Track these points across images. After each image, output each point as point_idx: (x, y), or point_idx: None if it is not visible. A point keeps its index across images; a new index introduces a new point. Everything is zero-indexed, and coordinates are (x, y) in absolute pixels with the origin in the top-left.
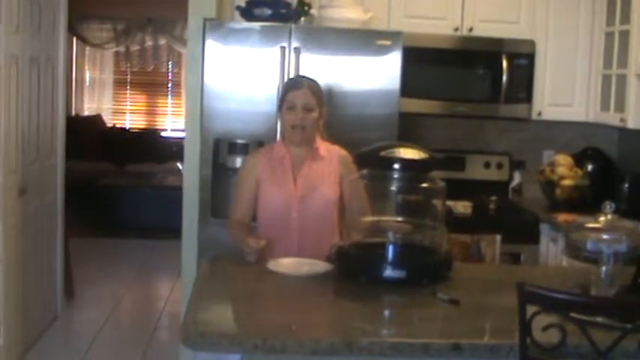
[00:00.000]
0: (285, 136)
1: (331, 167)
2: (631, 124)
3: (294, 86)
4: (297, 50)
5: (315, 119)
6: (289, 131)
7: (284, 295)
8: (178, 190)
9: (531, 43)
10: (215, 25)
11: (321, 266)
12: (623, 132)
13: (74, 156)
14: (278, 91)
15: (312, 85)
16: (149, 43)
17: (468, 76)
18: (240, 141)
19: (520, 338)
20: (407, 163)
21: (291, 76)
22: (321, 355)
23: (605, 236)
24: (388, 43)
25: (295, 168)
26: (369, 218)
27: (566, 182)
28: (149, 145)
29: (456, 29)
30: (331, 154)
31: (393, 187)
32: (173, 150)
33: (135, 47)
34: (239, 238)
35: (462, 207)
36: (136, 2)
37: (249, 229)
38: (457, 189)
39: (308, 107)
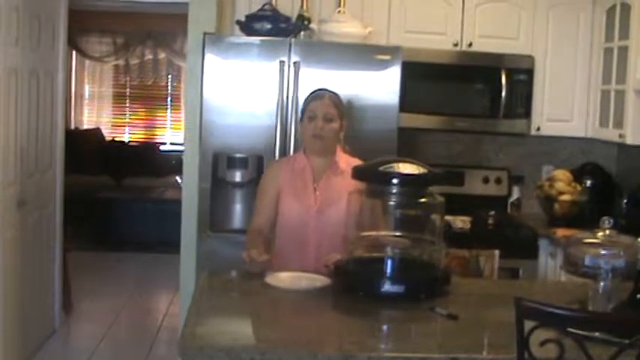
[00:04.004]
0: (305, 147)
1: (351, 181)
2: (630, 140)
3: (316, 97)
4: (296, 65)
5: (335, 130)
6: (309, 140)
7: (282, 309)
8: (177, 203)
9: (530, 59)
10: (215, 39)
11: (319, 281)
12: (622, 148)
13: (73, 169)
14: (277, 105)
15: (333, 97)
16: (149, 56)
17: (467, 91)
18: (239, 155)
19: (518, 353)
20: (405, 178)
21: (291, 90)
22: None
23: (603, 252)
24: (387, 57)
25: (315, 179)
26: (368, 233)
27: (565, 197)
28: (148, 159)
29: (456, 44)
30: (351, 167)
31: (392, 202)
32: (172, 164)
33: (134, 61)
34: (249, 246)
35: (461, 222)
36: (135, 16)
37: (266, 240)
38: (456, 204)
39: (328, 117)
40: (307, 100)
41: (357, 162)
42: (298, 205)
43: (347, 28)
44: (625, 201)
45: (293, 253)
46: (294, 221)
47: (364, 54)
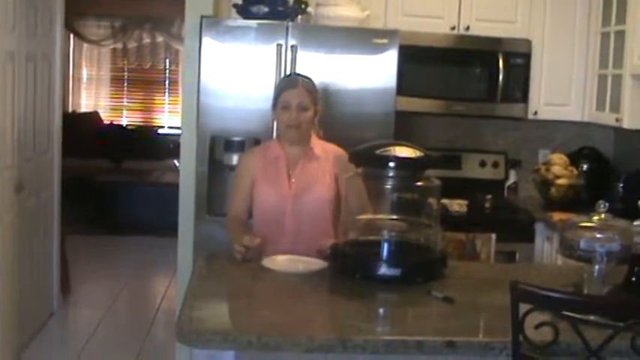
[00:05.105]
0: (280, 135)
1: (326, 167)
2: (626, 124)
3: (289, 85)
4: (293, 48)
5: (309, 118)
6: (284, 130)
7: (279, 292)
8: (175, 187)
9: (528, 43)
10: (212, 22)
11: (316, 264)
12: (619, 132)
13: (71, 153)
14: (273, 90)
15: (306, 83)
16: (146, 40)
17: (465, 75)
18: (236, 138)
19: (513, 336)
20: (402, 162)
21: (287, 74)
22: (316, 353)
23: (598, 235)
24: (385, 41)
25: (290, 168)
26: (365, 216)
27: (562, 181)
28: (146, 143)
29: (453, 28)
30: (327, 153)
31: (389, 186)
32: (170, 147)
33: (132, 44)
34: (235, 235)
35: (458, 205)
36: None
37: (246, 227)
38: (453, 187)
39: (302, 106)
40: (280, 88)
41: (332, 147)
42: (274, 192)
43: (344, 11)
44: (621, 185)
45: (270, 240)
46: (271, 209)
47: (361, 37)
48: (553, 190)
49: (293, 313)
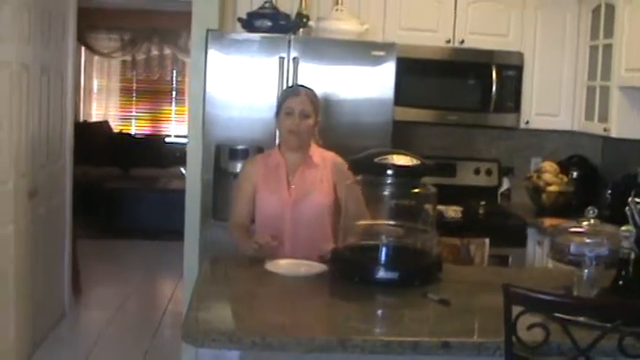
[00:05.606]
0: (281, 142)
1: (324, 174)
2: (614, 133)
3: (292, 93)
4: (295, 60)
5: (310, 126)
6: (286, 136)
7: (281, 294)
8: (181, 193)
9: (520, 56)
10: (217, 35)
11: (317, 267)
12: (607, 141)
13: (82, 160)
14: (277, 99)
15: (309, 93)
16: (154, 52)
17: (459, 86)
18: (240, 147)
19: (506, 337)
20: (399, 169)
21: (290, 85)
22: (316, 353)
23: (587, 240)
24: (383, 53)
25: (289, 175)
26: (364, 222)
27: (552, 188)
28: (154, 151)
29: (448, 41)
30: (325, 161)
31: (386, 192)
32: (176, 155)
33: (141, 56)
34: (239, 239)
35: (453, 211)
36: (142, 13)
37: (248, 232)
38: (448, 194)
39: (304, 114)
40: (284, 96)
41: (330, 155)
42: (274, 199)
43: (344, 25)
44: (609, 192)
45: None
46: (271, 214)
47: (360, 50)
48: (544, 196)
49: (295, 315)
